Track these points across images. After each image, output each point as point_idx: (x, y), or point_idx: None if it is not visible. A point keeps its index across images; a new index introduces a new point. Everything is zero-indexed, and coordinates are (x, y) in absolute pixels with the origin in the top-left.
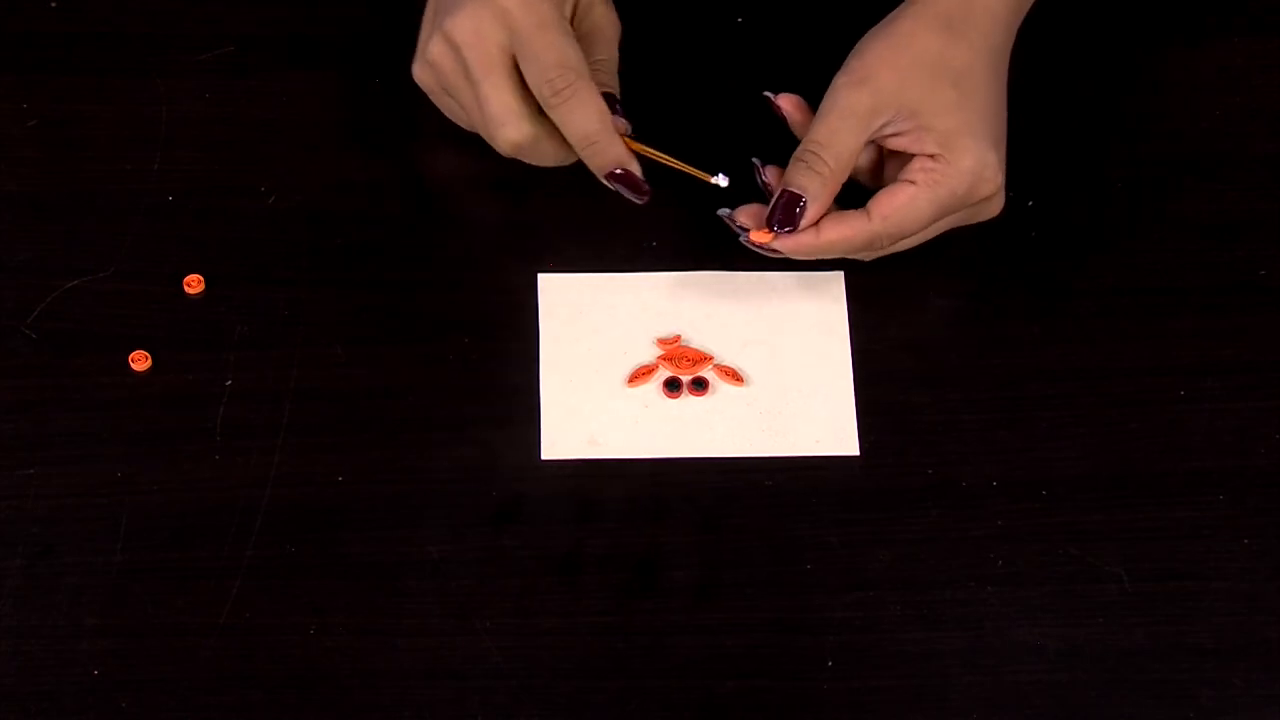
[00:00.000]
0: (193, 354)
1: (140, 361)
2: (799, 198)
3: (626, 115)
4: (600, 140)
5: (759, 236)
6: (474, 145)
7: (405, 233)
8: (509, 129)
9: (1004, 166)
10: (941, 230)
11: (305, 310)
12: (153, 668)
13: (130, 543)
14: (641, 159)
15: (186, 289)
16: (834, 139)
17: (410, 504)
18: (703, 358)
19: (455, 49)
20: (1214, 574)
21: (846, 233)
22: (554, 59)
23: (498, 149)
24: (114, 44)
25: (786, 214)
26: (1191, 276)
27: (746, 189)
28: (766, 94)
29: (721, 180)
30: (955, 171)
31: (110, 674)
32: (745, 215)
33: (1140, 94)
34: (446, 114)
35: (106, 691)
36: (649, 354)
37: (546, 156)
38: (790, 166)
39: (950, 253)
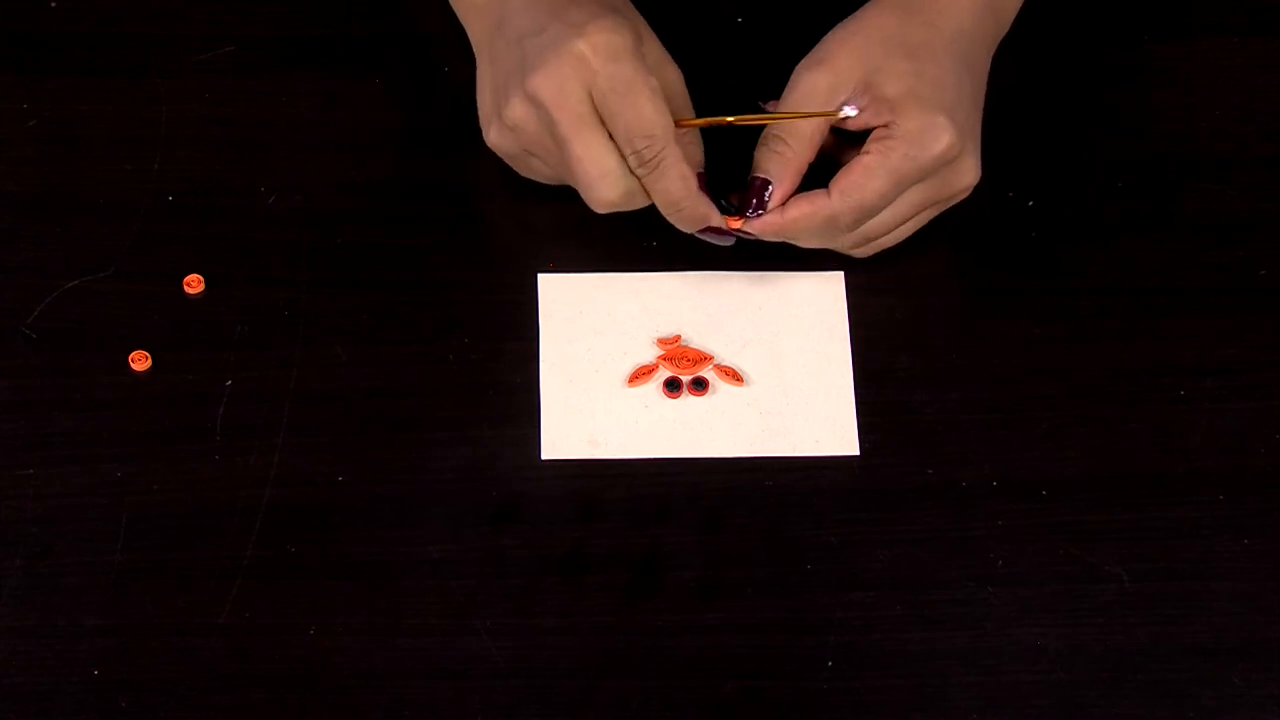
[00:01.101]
0: (193, 354)
1: (140, 361)
2: (767, 182)
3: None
4: (686, 207)
5: (734, 223)
6: (474, 145)
7: (405, 233)
8: (604, 190)
9: (964, 133)
10: (916, 207)
11: (305, 310)
12: (153, 668)
13: (130, 543)
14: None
15: (186, 289)
16: (796, 123)
17: (410, 504)
18: (703, 358)
19: (539, 108)
20: (1214, 574)
21: (809, 209)
22: (640, 128)
23: (593, 206)
24: (114, 44)
25: (756, 198)
26: (1191, 276)
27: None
28: (760, 104)
29: (850, 110)
30: (903, 134)
31: (110, 674)
32: (736, 195)
33: (1140, 94)
34: (525, 174)
35: (106, 691)
36: (649, 354)
37: (640, 204)
38: (756, 152)
39: (950, 253)
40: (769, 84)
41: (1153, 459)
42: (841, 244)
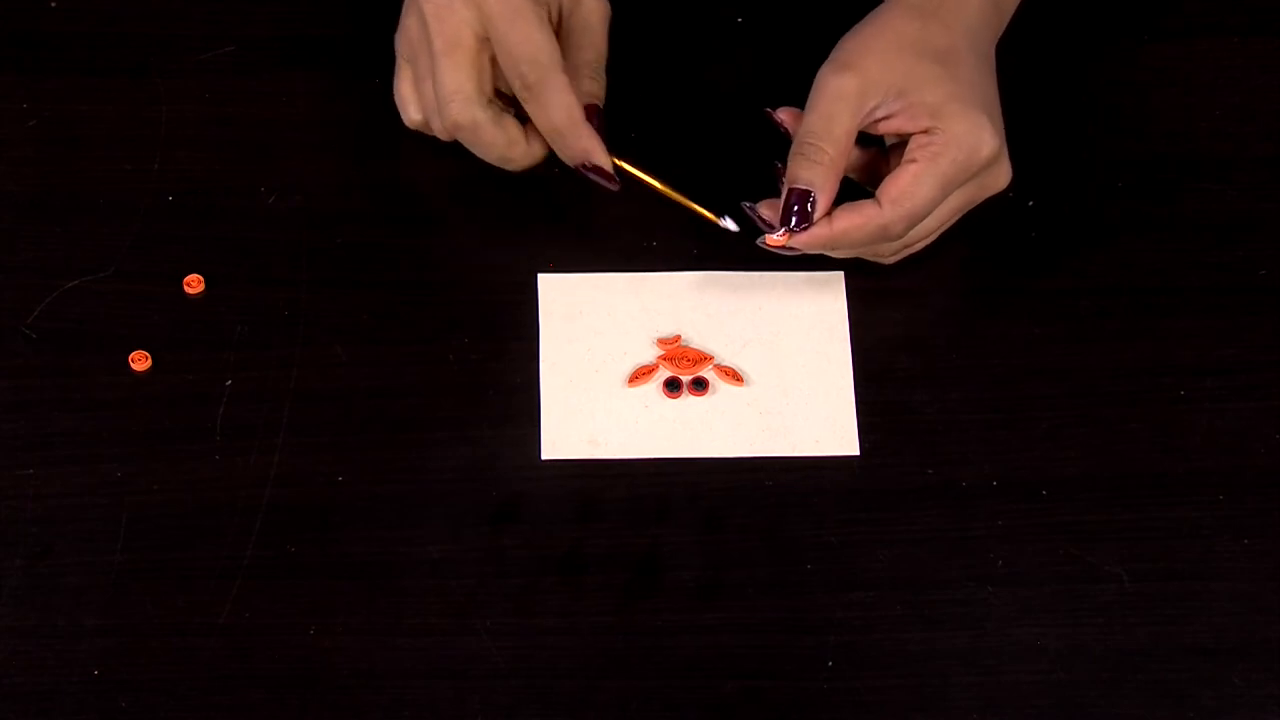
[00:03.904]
0: (193, 354)
1: (140, 361)
2: (807, 193)
3: (623, 119)
4: (567, 134)
5: (774, 240)
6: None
7: (405, 233)
8: (454, 107)
9: (1001, 133)
10: (955, 211)
11: (305, 310)
12: (153, 668)
13: (130, 543)
14: (653, 193)
15: (186, 289)
16: (828, 126)
17: (410, 504)
18: (703, 358)
19: (422, 23)
20: (1214, 574)
21: (858, 220)
22: (526, 52)
23: (437, 130)
24: (114, 44)
25: (799, 211)
26: (1191, 276)
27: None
28: (767, 110)
29: (730, 225)
30: (951, 139)
31: (110, 674)
32: (767, 208)
33: (1140, 94)
34: (397, 93)
35: (106, 691)
36: (649, 354)
37: (486, 148)
38: (791, 163)
39: (950, 253)
40: (769, 84)
41: (1153, 459)
42: (880, 252)
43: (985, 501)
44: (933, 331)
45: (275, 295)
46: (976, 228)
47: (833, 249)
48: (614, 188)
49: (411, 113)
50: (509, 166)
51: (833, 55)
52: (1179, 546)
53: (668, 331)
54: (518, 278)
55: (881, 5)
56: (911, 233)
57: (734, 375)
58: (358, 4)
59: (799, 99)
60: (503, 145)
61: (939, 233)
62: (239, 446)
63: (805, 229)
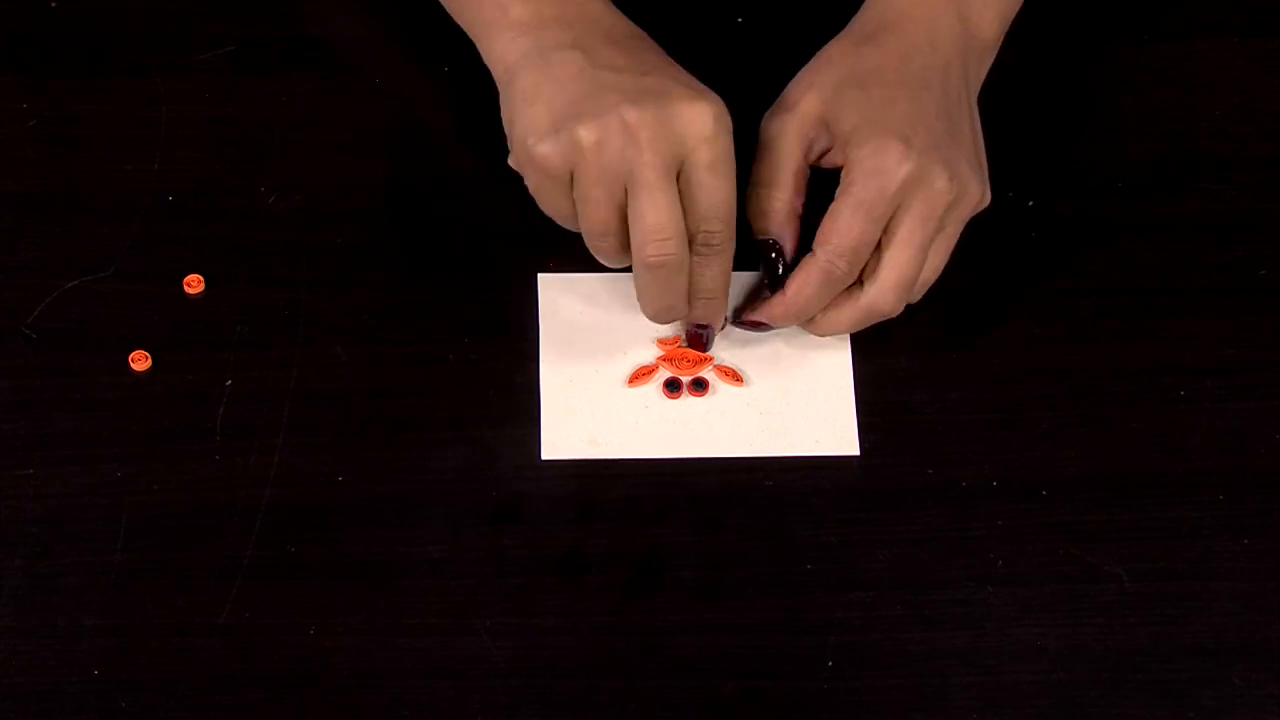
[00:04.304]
0: (193, 354)
1: (140, 361)
2: (771, 241)
3: None
4: (718, 300)
5: (749, 317)
6: (474, 145)
7: (405, 233)
8: (668, 245)
9: (929, 153)
10: (917, 240)
11: (305, 310)
12: (153, 668)
13: (130, 543)
14: None
15: (186, 289)
16: (773, 172)
17: (410, 504)
18: (703, 358)
19: (631, 143)
20: (1214, 574)
21: (802, 276)
22: (724, 211)
23: (606, 252)
24: (114, 44)
25: (767, 262)
26: (1191, 276)
27: None
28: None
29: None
30: (856, 165)
31: (110, 674)
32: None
33: (1140, 94)
34: (535, 192)
35: (106, 691)
36: (649, 354)
37: (670, 292)
38: (750, 219)
39: (950, 253)
40: (769, 85)
41: (1153, 459)
42: (878, 310)
43: (985, 501)
44: (932, 331)
45: (275, 295)
46: (977, 227)
47: (797, 314)
48: (708, 358)
49: (585, 230)
50: (661, 318)
51: (781, 95)
52: (1179, 546)
53: (668, 331)
54: (518, 278)
55: (836, 36)
56: (894, 276)
57: (734, 375)
58: (358, 4)
59: (806, 65)
60: (681, 293)
61: (936, 262)
62: (239, 446)
63: (782, 281)
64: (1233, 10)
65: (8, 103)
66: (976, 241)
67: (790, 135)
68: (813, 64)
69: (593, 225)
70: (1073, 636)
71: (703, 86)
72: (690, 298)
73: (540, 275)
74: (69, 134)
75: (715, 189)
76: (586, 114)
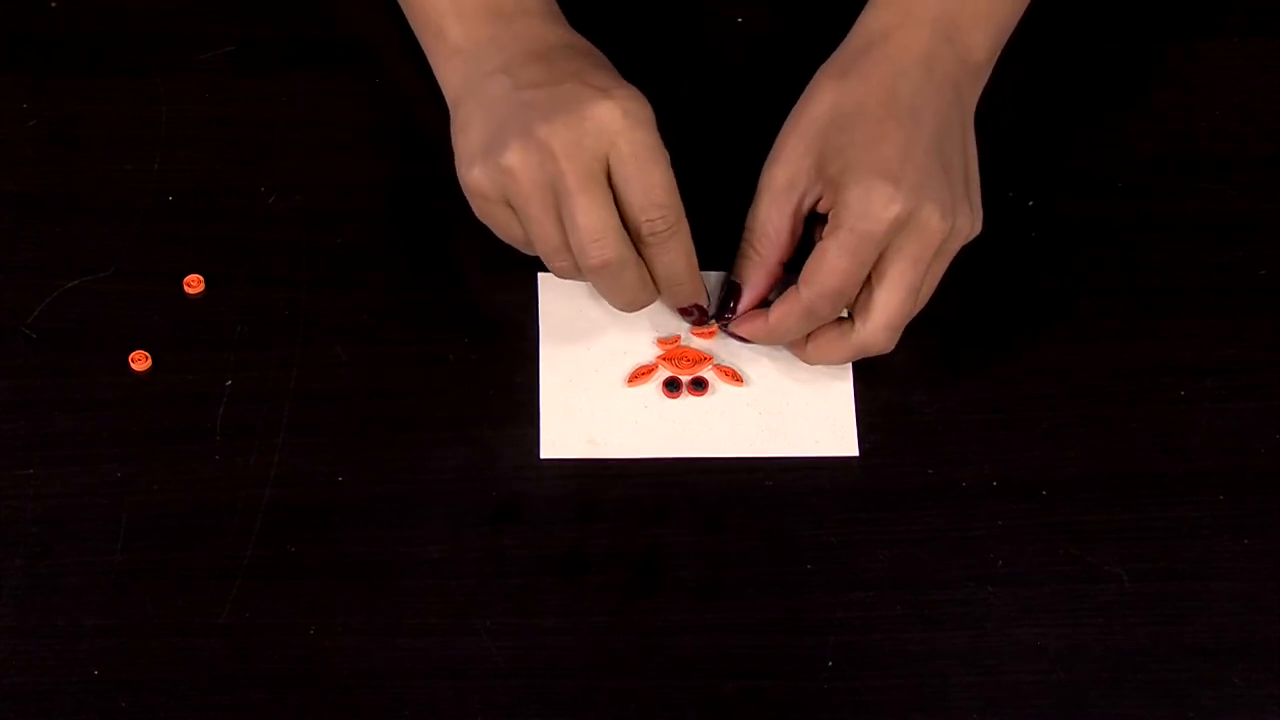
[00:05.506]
0: (193, 354)
1: (140, 361)
2: (736, 286)
3: None
4: (687, 283)
5: (711, 332)
6: None
7: (405, 233)
8: (597, 250)
9: (920, 189)
10: (909, 279)
11: (305, 310)
12: (153, 668)
13: (130, 543)
14: None
15: (186, 289)
16: (762, 225)
17: (410, 504)
18: (702, 358)
19: (547, 158)
20: (1214, 574)
21: (785, 307)
22: (660, 197)
23: (563, 269)
24: (114, 44)
25: (722, 301)
26: (1191, 276)
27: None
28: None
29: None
30: (843, 209)
31: (110, 674)
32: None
33: (1140, 94)
34: (484, 220)
35: (106, 691)
36: (649, 354)
37: (623, 289)
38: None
39: None
40: (769, 85)
41: (1153, 459)
42: (868, 347)
43: (985, 501)
44: (932, 331)
45: (275, 295)
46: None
47: (778, 339)
48: (710, 330)
49: (539, 252)
50: (630, 309)
51: (773, 147)
52: (1179, 546)
53: (667, 331)
54: (518, 278)
55: (817, 72)
56: (887, 315)
57: (733, 375)
58: (358, 4)
59: (798, 99)
60: (639, 286)
61: (925, 293)
62: (239, 446)
63: (730, 319)
64: (1233, 10)
65: (8, 103)
66: (977, 241)
67: (779, 189)
68: (797, 105)
69: (543, 245)
70: (1073, 636)
71: (616, 82)
72: (659, 287)
73: (540, 275)
74: (69, 134)
75: (642, 177)
76: (509, 136)
